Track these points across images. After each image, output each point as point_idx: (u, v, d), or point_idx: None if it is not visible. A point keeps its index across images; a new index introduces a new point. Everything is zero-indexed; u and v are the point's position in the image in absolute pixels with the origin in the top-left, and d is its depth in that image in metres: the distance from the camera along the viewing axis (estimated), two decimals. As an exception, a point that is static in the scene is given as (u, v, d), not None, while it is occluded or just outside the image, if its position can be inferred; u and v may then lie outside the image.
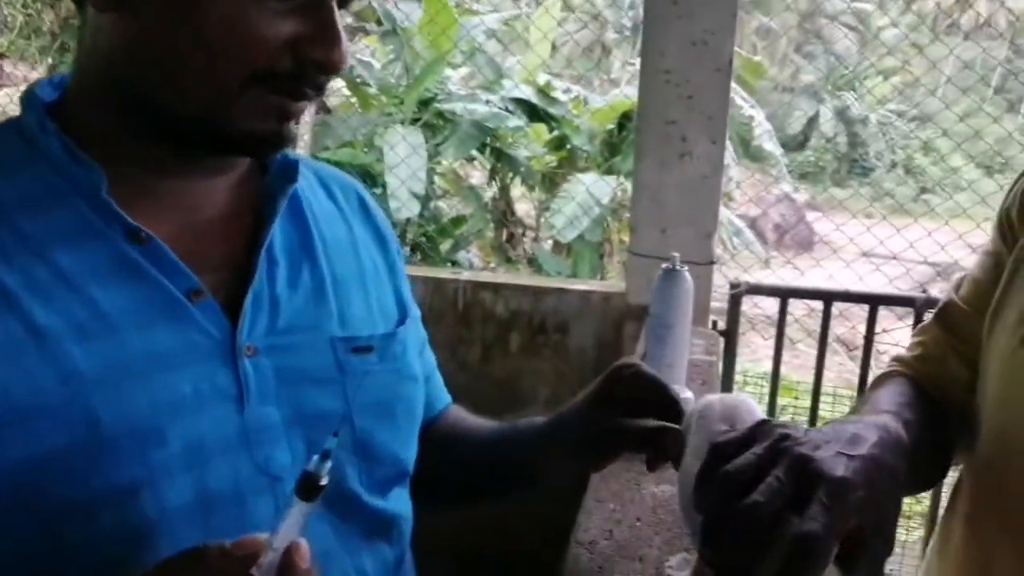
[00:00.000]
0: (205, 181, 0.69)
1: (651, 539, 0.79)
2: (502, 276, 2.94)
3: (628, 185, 6.01)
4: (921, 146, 14.13)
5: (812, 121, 13.72)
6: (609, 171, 6.30)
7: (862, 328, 2.43)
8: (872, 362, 2.39)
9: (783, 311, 2.41)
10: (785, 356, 2.53)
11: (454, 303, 2.53)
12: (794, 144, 12.95)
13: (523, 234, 6.84)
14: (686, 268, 1.12)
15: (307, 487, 0.52)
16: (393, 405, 0.75)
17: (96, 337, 0.60)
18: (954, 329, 0.85)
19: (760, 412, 0.63)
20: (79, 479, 0.58)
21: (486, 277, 2.70)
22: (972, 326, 0.82)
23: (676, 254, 1.13)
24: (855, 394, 2.46)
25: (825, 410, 2.79)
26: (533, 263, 6.47)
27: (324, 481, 0.53)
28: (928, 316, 2.38)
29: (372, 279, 0.78)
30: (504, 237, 6.68)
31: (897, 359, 0.90)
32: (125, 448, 0.59)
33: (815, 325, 2.46)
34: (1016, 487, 0.71)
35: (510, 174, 6.62)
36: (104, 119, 0.64)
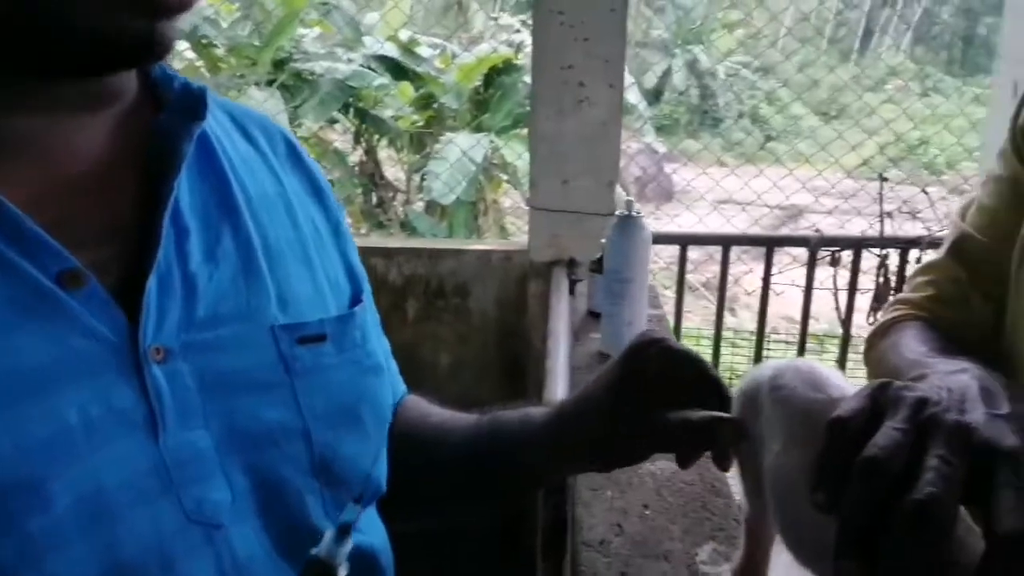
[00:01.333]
0: (69, 120, 0.49)
1: (668, 529, 0.67)
2: (394, 240, 2.75)
3: (499, 143, 5.89)
4: (765, 96, 14.78)
5: (665, 74, 14.04)
6: (478, 129, 6.14)
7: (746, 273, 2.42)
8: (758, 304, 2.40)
9: (683, 258, 2.37)
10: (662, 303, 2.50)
11: (342, 272, 2.33)
12: (650, 98, 13.21)
13: (393, 198, 6.59)
14: (642, 215, 1.00)
15: None
16: (358, 408, 0.58)
17: None
18: (974, 264, 0.76)
19: (842, 376, 0.51)
20: None
21: (376, 242, 2.51)
22: (994, 259, 0.74)
23: (630, 198, 1.01)
24: (755, 339, 2.46)
25: (725, 356, 2.81)
26: (406, 227, 6.26)
27: (343, 573, 0.36)
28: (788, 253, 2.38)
29: (315, 245, 0.60)
30: (374, 202, 6.41)
31: (904, 301, 0.81)
32: None
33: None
34: None
35: (376, 136, 6.35)
36: None
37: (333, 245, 0.63)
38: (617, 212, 1.01)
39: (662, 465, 0.76)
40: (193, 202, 0.53)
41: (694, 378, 0.57)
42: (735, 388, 0.58)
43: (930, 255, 2.44)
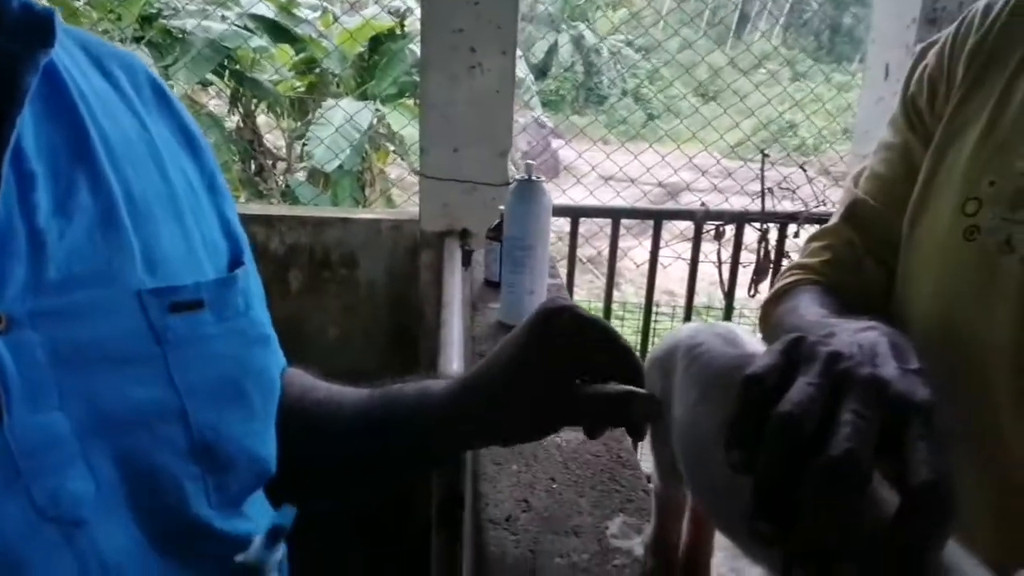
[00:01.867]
0: None
1: (577, 503, 0.64)
2: (276, 208, 2.62)
3: (385, 111, 5.75)
4: (647, 75, 15.12)
5: (552, 50, 14.11)
6: (363, 96, 5.97)
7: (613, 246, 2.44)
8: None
9: (574, 230, 2.37)
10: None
11: (219, 241, 2.20)
12: (536, 72, 13.27)
13: (273, 166, 6.33)
14: (543, 179, 0.97)
15: None
16: (242, 383, 0.52)
17: None
18: (868, 229, 0.78)
19: (759, 340, 0.49)
20: None
21: (256, 209, 2.38)
22: (886, 224, 0.76)
23: (532, 162, 0.97)
24: (643, 310, 2.50)
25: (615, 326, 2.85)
26: (287, 196, 6.03)
27: None
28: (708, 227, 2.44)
29: (187, 201, 0.53)
30: (253, 170, 6.13)
31: (801, 266, 0.81)
32: None
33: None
34: (968, 389, 0.65)
35: (254, 100, 6.07)
36: None
37: (208, 201, 0.56)
38: (516, 176, 0.97)
39: (568, 436, 0.74)
40: (40, 145, 0.45)
41: (603, 348, 0.54)
42: (647, 354, 0.56)
43: (808, 229, 2.54)
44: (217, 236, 0.55)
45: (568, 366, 0.54)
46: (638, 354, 0.55)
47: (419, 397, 0.60)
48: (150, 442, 0.45)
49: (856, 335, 0.46)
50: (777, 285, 0.83)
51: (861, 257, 0.77)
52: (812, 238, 0.84)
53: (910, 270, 0.73)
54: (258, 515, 0.53)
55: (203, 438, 0.48)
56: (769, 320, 0.81)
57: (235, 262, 0.55)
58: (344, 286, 2.28)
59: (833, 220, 0.81)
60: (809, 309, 0.71)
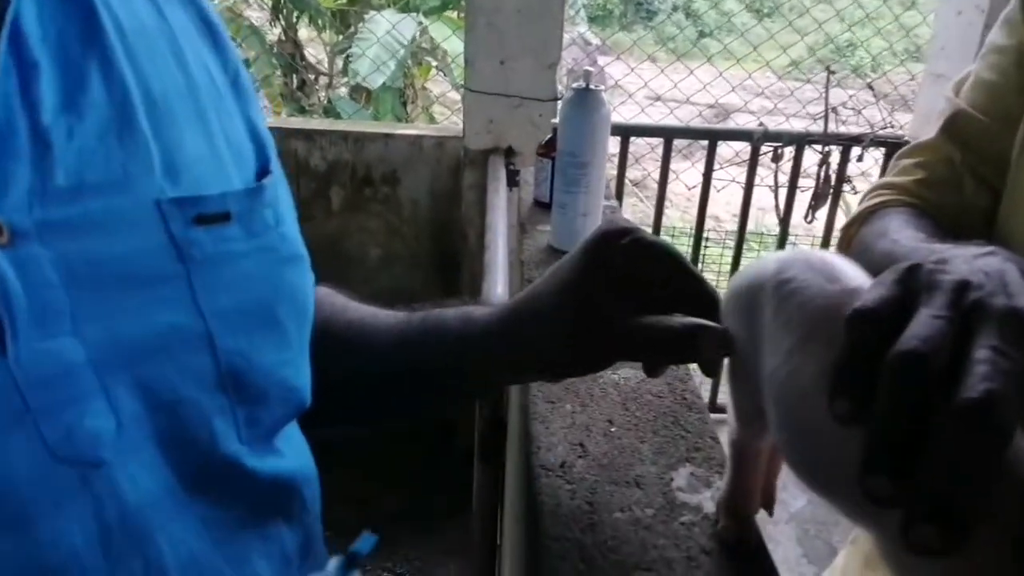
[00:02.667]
0: None
1: (638, 450, 0.58)
2: (317, 122, 2.54)
3: (428, 24, 5.57)
4: (699, -11, 14.45)
5: (601, -39, 13.53)
6: (406, 8, 5.78)
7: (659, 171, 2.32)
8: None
9: (624, 149, 2.27)
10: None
11: (259, 156, 2.14)
12: (584, -15, 12.77)
13: (316, 80, 6.22)
14: (602, 88, 0.88)
15: None
16: (274, 306, 0.46)
17: None
18: (970, 144, 0.68)
19: (859, 269, 0.41)
20: None
21: (297, 123, 2.31)
22: (992, 139, 0.66)
23: (590, 68, 0.88)
24: (694, 235, 2.40)
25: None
26: (330, 112, 5.93)
27: None
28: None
29: (210, 99, 0.46)
30: (295, 84, 6.03)
31: (889, 186, 0.72)
32: None
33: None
34: None
35: (295, 12, 5.91)
36: None
37: (233, 101, 0.49)
38: (573, 86, 0.88)
39: (626, 374, 0.67)
40: (45, 31, 0.38)
41: (670, 276, 0.47)
42: (724, 286, 0.49)
43: (872, 153, 2.38)
44: (243, 140, 0.49)
45: (626, 295, 0.48)
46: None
47: (463, 327, 0.54)
48: (173, 372, 0.40)
49: (975, 261, 0.38)
50: (862, 206, 0.74)
51: (961, 176, 0.68)
52: (902, 154, 0.74)
53: (1020, 195, 0.63)
54: (292, 451, 0.48)
55: (231, 367, 0.42)
56: (852, 244, 0.73)
57: (263, 170, 0.49)
58: (386, 205, 2.22)
59: (927, 135, 0.72)
60: (902, 232, 0.63)
